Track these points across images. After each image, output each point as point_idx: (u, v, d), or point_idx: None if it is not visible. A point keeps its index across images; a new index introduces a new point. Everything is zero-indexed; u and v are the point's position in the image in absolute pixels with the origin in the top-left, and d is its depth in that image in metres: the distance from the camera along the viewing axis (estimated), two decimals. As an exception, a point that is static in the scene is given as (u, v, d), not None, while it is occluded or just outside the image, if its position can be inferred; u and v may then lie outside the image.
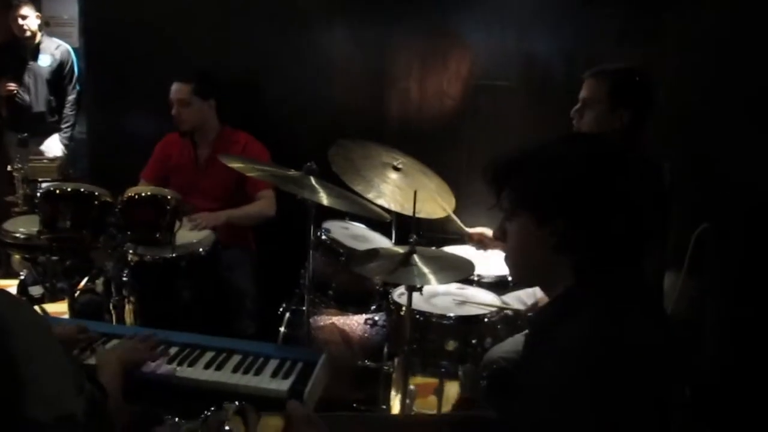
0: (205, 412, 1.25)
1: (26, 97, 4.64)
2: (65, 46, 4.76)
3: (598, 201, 1.17)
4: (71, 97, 4.73)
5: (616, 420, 1.03)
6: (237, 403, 1.28)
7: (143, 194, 2.49)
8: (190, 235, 2.74)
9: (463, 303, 2.59)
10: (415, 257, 2.31)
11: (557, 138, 1.30)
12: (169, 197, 2.50)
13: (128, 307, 2.44)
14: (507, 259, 1.37)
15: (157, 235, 2.46)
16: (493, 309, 2.52)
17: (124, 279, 2.47)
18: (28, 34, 4.59)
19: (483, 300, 2.61)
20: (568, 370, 1.07)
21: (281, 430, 1.29)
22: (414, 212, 2.41)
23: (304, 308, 2.55)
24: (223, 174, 3.02)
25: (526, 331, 1.87)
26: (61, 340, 1.80)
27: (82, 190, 2.48)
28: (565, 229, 1.18)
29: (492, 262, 2.87)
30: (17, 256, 3.19)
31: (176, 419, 1.26)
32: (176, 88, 3.22)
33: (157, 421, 1.30)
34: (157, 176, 3.33)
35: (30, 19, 4.57)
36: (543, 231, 1.20)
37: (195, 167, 3.32)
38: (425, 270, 2.27)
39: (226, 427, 1.24)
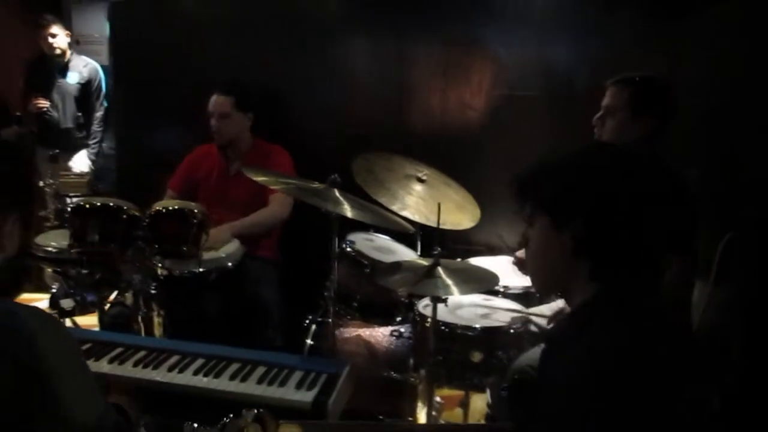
0: (224, 419, 1.26)
1: (54, 114, 4.72)
2: (93, 64, 4.85)
3: (617, 206, 1.17)
4: (98, 114, 4.81)
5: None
6: (255, 410, 1.29)
7: (170, 208, 2.52)
8: (217, 249, 2.77)
9: (487, 313, 2.57)
10: (439, 269, 2.31)
11: (580, 147, 1.31)
12: (195, 211, 2.53)
13: (156, 320, 2.47)
14: (528, 265, 1.38)
15: (184, 249, 2.49)
16: (518, 315, 2.51)
17: (152, 292, 2.50)
18: (58, 52, 4.68)
19: (508, 312, 2.59)
20: (579, 382, 1.07)
21: None
22: (438, 224, 2.41)
23: (329, 320, 2.56)
24: (251, 185, 3.03)
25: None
26: None
27: (110, 204, 2.52)
28: (584, 233, 1.18)
29: (518, 274, 2.85)
30: (49, 270, 3.25)
31: (195, 425, 1.27)
32: (218, 101, 3.23)
33: (177, 430, 1.31)
34: (184, 186, 3.36)
35: (59, 37, 4.66)
36: (562, 235, 1.21)
37: (225, 178, 3.34)
38: (449, 282, 2.27)
39: (245, 434, 1.25)
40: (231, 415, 1.27)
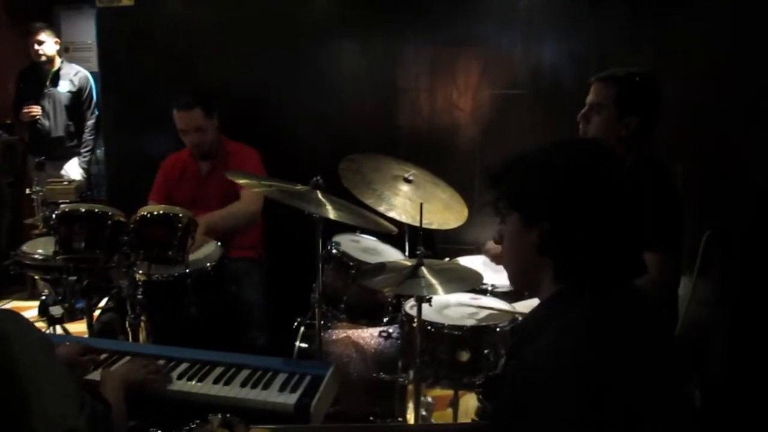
0: (189, 425, 1.25)
1: (45, 123, 4.73)
2: (84, 73, 4.85)
3: (584, 204, 1.17)
4: (90, 123, 4.82)
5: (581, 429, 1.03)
6: (221, 415, 1.28)
7: (155, 213, 2.51)
8: (196, 251, 2.75)
9: (474, 312, 2.57)
10: (423, 269, 2.31)
11: (551, 142, 1.30)
12: (180, 215, 2.52)
13: (141, 325, 2.47)
14: (503, 260, 1.39)
15: (170, 253, 2.48)
16: (505, 313, 2.51)
17: (139, 297, 2.50)
18: (44, 59, 4.68)
19: (495, 310, 2.59)
20: (534, 378, 1.07)
21: None
22: (420, 224, 2.41)
23: (316, 322, 2.56)
24: (224, 184, 3.04)
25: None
26: (65, 361, 1.85)
27: (96, 210, 2.51)
28: (550, 230, 1.18)
29: (506, 273, 2.84)
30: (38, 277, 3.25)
31: (159, 431, 1.26)
32: (189, 117, 3.24)
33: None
34: (164, 196, 3.37)
35: (47, 44, 4.66)
36: (530, 231, 1.21)
37: (198, 180, 3.37)
38: (433, 281, 2.26)
39: (214, 439, 1.24)
40: (197, 421, 1.26)
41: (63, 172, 4.67)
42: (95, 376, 1.94)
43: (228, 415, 1.28)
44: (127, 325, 2.53)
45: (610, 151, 1.27)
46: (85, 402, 1.32)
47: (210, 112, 3.28)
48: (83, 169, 4.76)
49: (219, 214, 3.13)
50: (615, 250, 1.18)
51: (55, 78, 4.77)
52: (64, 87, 4.76)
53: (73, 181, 4.31)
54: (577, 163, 1.21)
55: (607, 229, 1.17)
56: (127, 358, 2.11)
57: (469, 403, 2.80)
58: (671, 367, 1.19)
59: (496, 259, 2.83)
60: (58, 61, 4.78)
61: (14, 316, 1.29)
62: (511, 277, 1.39)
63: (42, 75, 4.76)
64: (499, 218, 1.31)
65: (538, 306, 1.25)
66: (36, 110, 4.68)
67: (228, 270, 2.85)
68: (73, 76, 4.79)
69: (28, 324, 1.33)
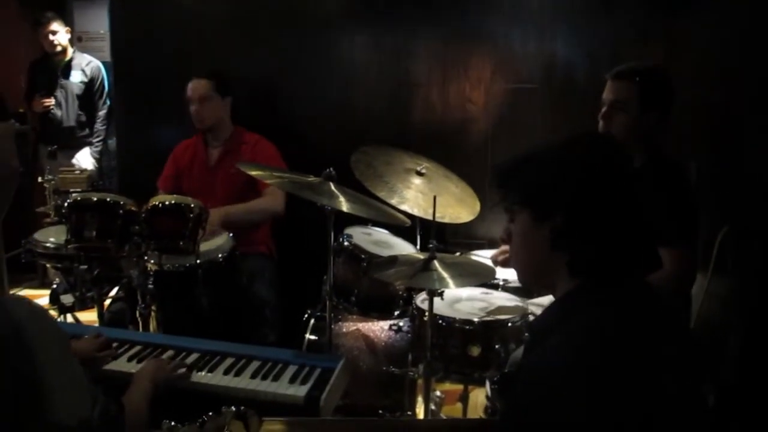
0: (203, 417, 1.24)
1: (57, 113, 4.74)
2: (96, 63, 4.86)
3: (597, 196, 1.16)
4: (102, 113, 4.82)
5: (590, 428, 1.02)
6: (234, 408, 1.27)
7: (167, 203, 2.51)
8: (208, 242, 2.75)
9: (486, 307, 2.56)
10: (435, 263, 2.30)
11: (562, 138, 1.29)
12: (192, 205, 2.52)
13: (152, 315, 2.47)
14: (512, 260, 1.36)
15: (181, 243, 2.48)
16: (517, 308, 2.50)
17: (149, 287, 2.50)
18: (59, 49, 4.69)
19: (507, 305, 2.58)
20: (550, 377, 1.06)
21: None
22: (434, 217, 2.40)
23: (327, 314, 2.56)
24: (234, 174, 3.03)
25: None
26: (81, 355, 1.85)
27: (107, 199, 2.51)
28: (563, 225, 1.16)
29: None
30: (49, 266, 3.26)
31: (172, 423, 1.25)
32: (197, 85, 3.26)
33: (156, 426, 1.29)
34: (172, 183, 3.37)
35: (60, 34, 4.67)
36: (542, 227, 1.19)
37: (206, 168, 3.35)
38: (445, 275, 2.25)
39: (228, 431, 1.23)
40: (210, 413, 1.25)
41: (74, 161, 4.68)
42: (124, 366, 1.96)
43: (242, 408, 1.27)
44: (137, 315, 2.52)
45: (620, 144, 1.27)
46: (98, 398, 1.31)
47: (220, 88, 3.27)
48: (95, 159, 4.77)
49: (236, 208, 3.10)
50: (627, 242, 1.17)
51: (67, 68, 4.77)
52: (76, 77, 4.77)
53: (85, 170, 4.31)
54: (591, 155, 1.21)
55: (619, 221, 1.16)
56: (137, 348, 2.12)
57: (479, 398, 2.79)
58: (687, 367, 1.18)
59: (505, 263, 2.80)
60: (70, 51, 4.79)
61: (28, 304, 1.28)
62: (520, 276, 1.37)
63: (54, 65, 4.77)
64: (509, 216, 1.29)
65: (553, 303, 1.24)
66: (49, 101, 4.69)
67: (240, 265, 2.84)
68: (85, 66, 4.80)
69: (42, 312, 1.32)
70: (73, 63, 4.78)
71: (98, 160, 4.79)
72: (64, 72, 4.76)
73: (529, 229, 1.23)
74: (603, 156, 1.20)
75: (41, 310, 1.31)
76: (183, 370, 1.94)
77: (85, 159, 4.75)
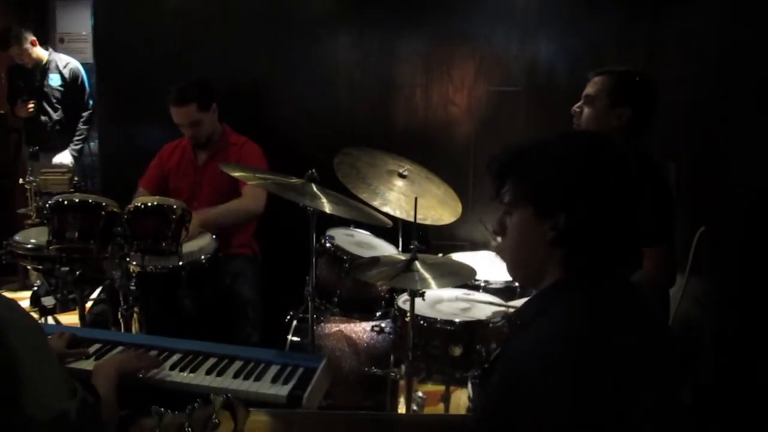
0: (192, 405, 1.25)
1: (40, 116, 4.71)
2: (74, 63, 4.82)
3: (602, 195, 1.17)
4: (84, 113, 4.80)
5: (570, 418, 1.03)
6: (223, 396, 1.29)
7: (149, 204, 2.50)
8: (191, 243, 2.74)
9: (467, 307, 2.58)
10: (417, 263, 2.31)
11: (561, 133, 1.29)
12: (174, 207, 2.51)
13: (134, 317, 2.46)
14: (504, 254, 1.35)
15: (163, 245, 2.47)
16: (498, 309, 2.52)
17: (132, 288, 2.49)
18: (31, 64, 4.68)
19: (488, 306, 2.60)
20: (520, 368, 1.07)
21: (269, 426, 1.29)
22: (415, 219, 2.41)
23: (309, 316, 2.56)
24: (221, 175, 2.99)
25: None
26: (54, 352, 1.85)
27: (89, 201, 2.49)
28: (566, 223, 1.17)
29: (499, 269, 2.85)
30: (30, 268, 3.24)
31: (162, 409, 1.26)
32: (182, 113, 3.16)
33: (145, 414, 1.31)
34: (155, 183, 3.34)
35: (26, 52, 4.64)
36: (543, 224, 1.19)
37: (194, 167, 3.33)
38: (427, 276, 2.27)
39: (215, 420, 1.24)
40: (198, 401, 1.26)
41: (55, 160, 4.65)
42: (83, 365, 1.95)
43: (229, 396, 1.28)
44: (119, 317, 2.52)
45: (619, 143, 1.27)
46: (76, 390, 1.32)
47: (206, 104, 3.20)
48: (73, 157, 4.73)
49: (215, 211, 3.05)
50: (625, 240, 1.19)
51: (45, 71, 4.74)
52: (56, 80, 4.75)
53: (65, 170, 4.28)
54: (595, 153, 1.21)
55: (619, 221, 1.17)
56: (119, 348, 2.11)
57: (461, 398, 2.81)
58: (666, 362, 1.20)
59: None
60: (45, 55, 4.76)
61: (7, 301, 1.29)
62: (511, 268, 1.35)
63: (31, 70, 4.74)
64: (504, 209, 1.28)
65: (535, 295, 1.25)
66: (32, 106, 4.67)
67: (224, 266, 2.84)
68: (63, 68, 4.77)
69: (20, 310, 1.33)
70: (50, 66, 4.76)
71: (76, 158, 4.75)
72: (42, 75, 4.73)
73: (529, 225, 1.22)
74: (608, 153, 1.21)
75: (18, 307, 1.32)
76: (148, 364, 1.94)
77: (65, 159, 4.72)
